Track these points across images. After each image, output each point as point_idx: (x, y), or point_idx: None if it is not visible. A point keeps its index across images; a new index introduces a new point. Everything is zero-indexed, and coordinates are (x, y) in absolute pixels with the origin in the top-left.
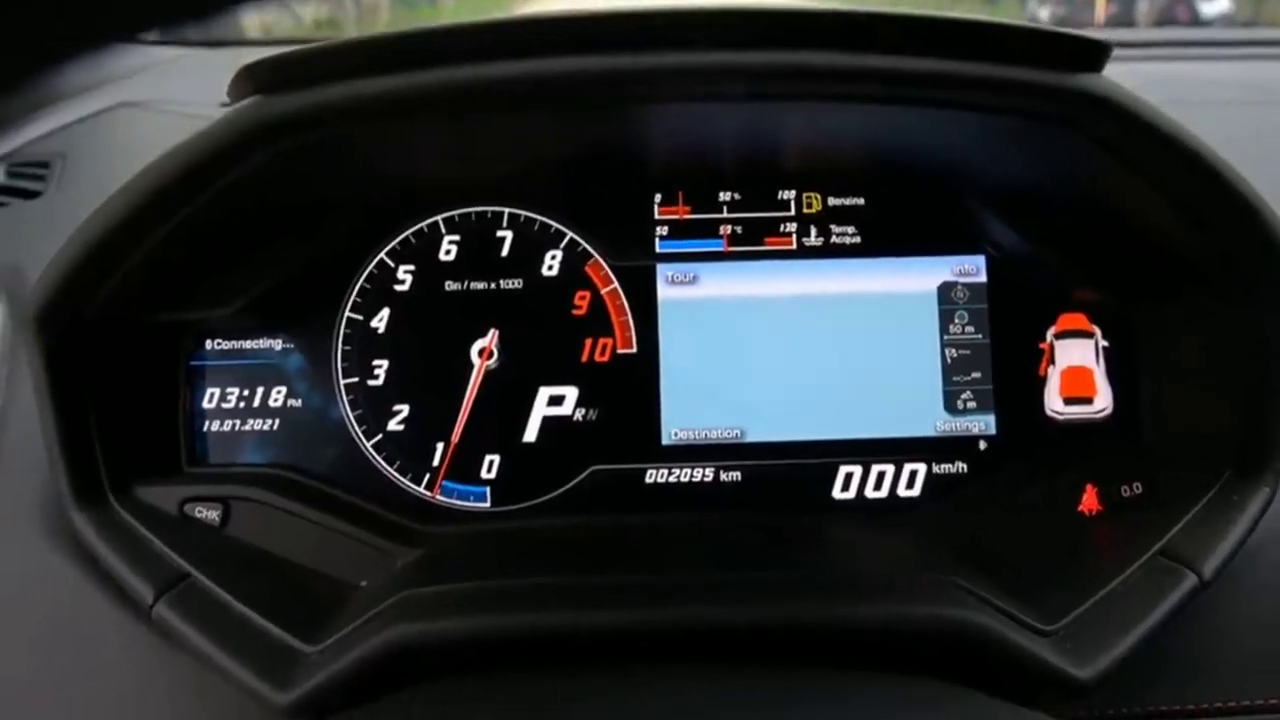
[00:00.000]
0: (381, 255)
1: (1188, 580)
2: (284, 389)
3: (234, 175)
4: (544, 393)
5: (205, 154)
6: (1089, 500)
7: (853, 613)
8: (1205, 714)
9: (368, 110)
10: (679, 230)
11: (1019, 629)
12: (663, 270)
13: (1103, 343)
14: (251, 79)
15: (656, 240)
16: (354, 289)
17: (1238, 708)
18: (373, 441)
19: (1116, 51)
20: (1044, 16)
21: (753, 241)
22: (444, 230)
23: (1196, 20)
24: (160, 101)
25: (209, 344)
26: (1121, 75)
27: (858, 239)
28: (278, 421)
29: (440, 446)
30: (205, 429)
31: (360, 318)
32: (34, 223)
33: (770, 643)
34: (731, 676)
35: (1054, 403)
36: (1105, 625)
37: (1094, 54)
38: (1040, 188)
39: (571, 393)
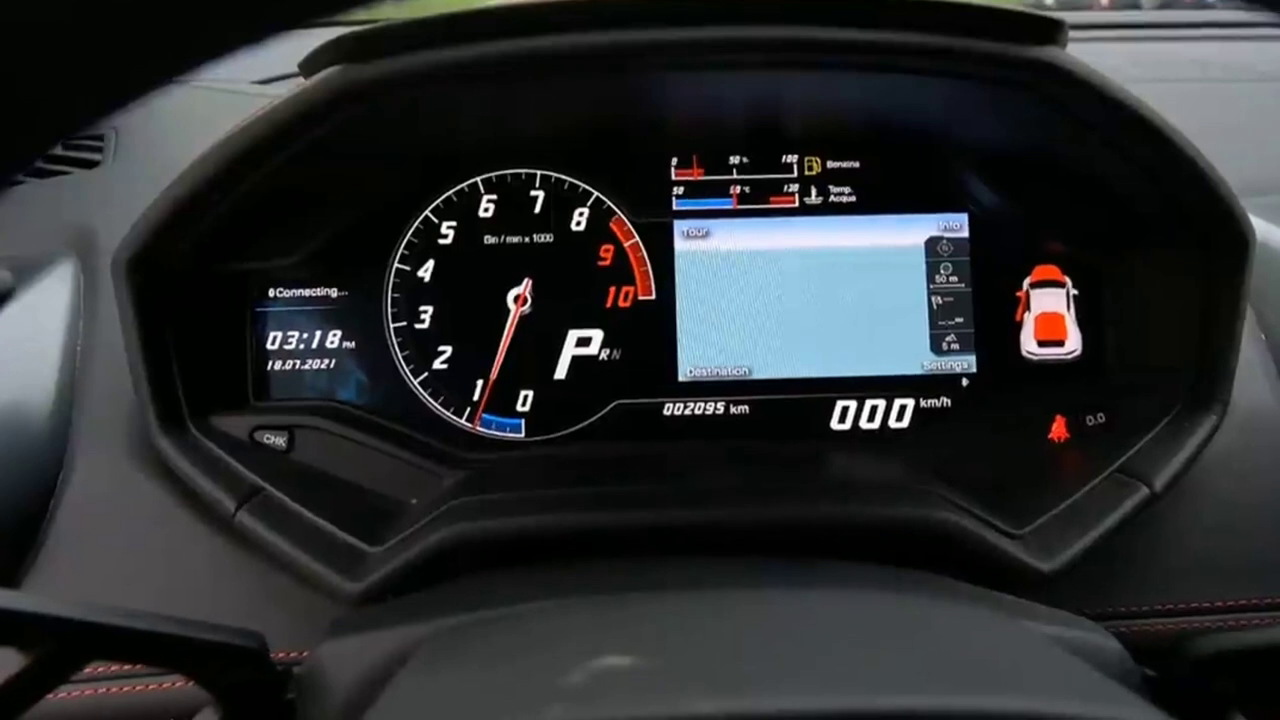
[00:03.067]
0: (427, 212)
1: (1141, 492)
2: (339, 332)
3: (313, 136)
4: (573, 335)
5: (296, 114)
6: (1058, 429)
7: (846, 512)
8: (1157, 614)
9: (437, 76)
10: (693, 190)
11: (992, 530)
12: (679, 226)
13: (1073, 291)
14: (337, 50)
15: (673, 199)
16: (402, 242)
17: (1186, 609)
18: (419, 379)
19: (1117, 32)
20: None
21: (759, 200)
22: (483, 190)
23: (1201, 3)
24: (199, 78)
25: (272, 291)
26: (1122, 54)
27: (853, 198)
28: (334, 361)
29: (480, 383)
30: (270, 367)
31: (408, 268)
32: (97, 189)
33: (774, 539)
34: (738, 566)
35: (1029, 344)
36: (1067, 528)
37: (1051, 29)
38: (1016, 152)
39: (597, 335)
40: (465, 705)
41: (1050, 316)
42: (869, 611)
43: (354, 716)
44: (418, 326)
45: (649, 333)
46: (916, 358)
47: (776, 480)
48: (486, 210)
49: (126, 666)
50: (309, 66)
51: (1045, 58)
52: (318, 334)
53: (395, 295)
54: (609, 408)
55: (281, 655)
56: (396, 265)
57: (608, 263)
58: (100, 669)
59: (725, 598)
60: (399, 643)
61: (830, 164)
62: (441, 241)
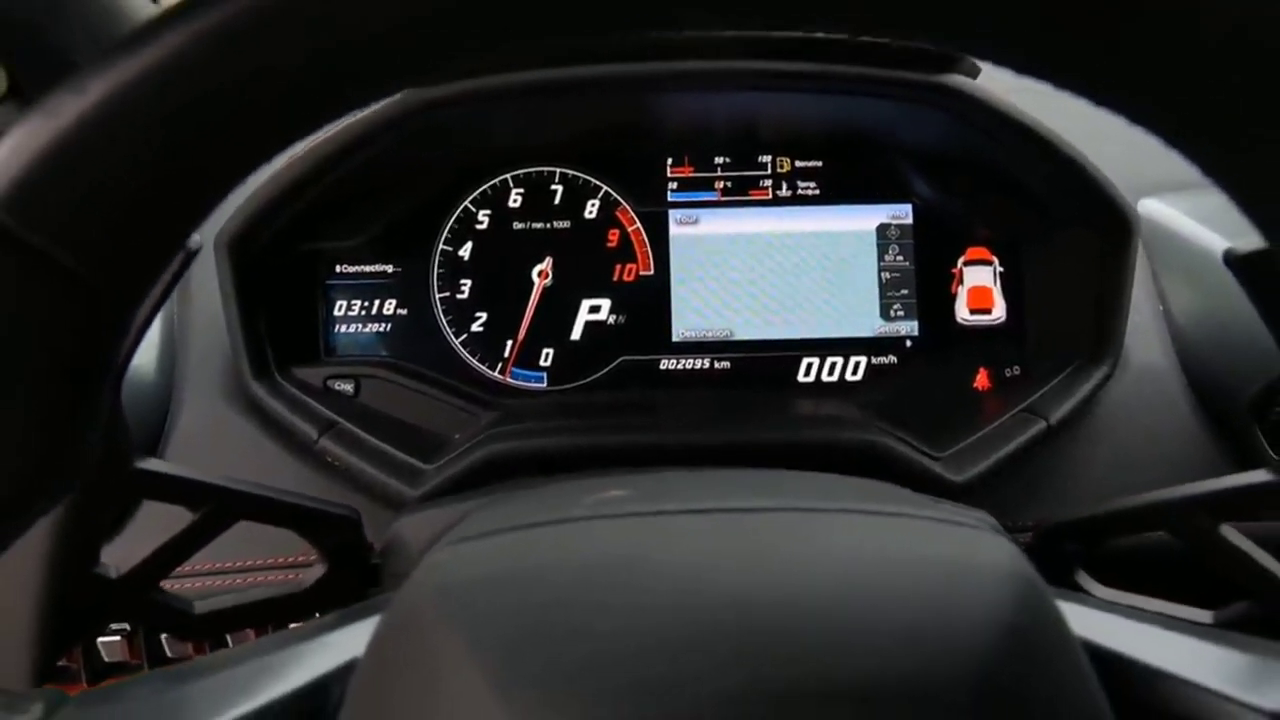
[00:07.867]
0: (466, 203)
1: (1039, 425)
2: (394, 301)
3: (381, 143)
4: (585, 303)
5: (373, 126)
6: (981, 379)
7: (801, 436)
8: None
9: (484, 96)
10: (685, 185)
11: (917, 452)
12: (673, 214)
13: (1000, 268)
14: None
15: (668, 192)
16: (446, 227)
17: None
18: (460, 339)
19: None
20: None
21: (739, 193)
22: (512, 185)
23: None
24: None
25: (339, 267)
26: None
27: (817, 191)
28: (390, 325)
29: (509, 343)
30: (337, 329)
31: (450, 249)
32: None
33: (743, 457)
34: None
35: (962, 313)
36: (977, 452)
37: (951, 61)
38: (949, 155)
39: (606, 303)
40: (511, 517)
41: (980, 289)
42: (803, 475)
43: None
44: (458, 296)
45: (648, 301)
46: (869, 323)
47: (749, 416)
48: (515, 201)
49: (262, 560)
50: None
51: (948, 83)
52: (376, 302)
53: (440, 271)
54: (616, 363)
55: None
56: (441, 246)
57: (614, 244)
58: (245, 562)
59: (701, 471)
60: (459, 514)
61: (798, 163)
62: (478, 227)
